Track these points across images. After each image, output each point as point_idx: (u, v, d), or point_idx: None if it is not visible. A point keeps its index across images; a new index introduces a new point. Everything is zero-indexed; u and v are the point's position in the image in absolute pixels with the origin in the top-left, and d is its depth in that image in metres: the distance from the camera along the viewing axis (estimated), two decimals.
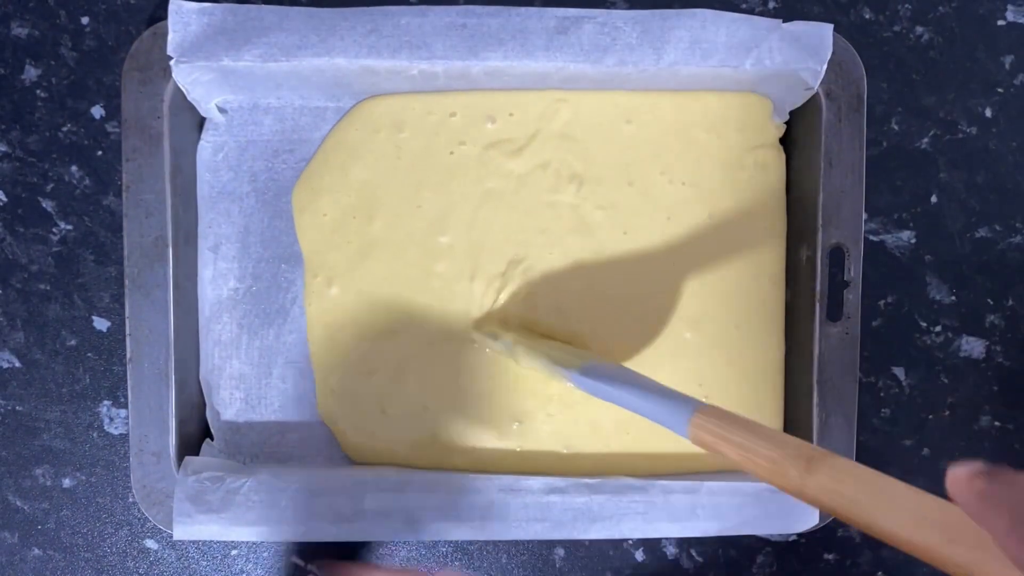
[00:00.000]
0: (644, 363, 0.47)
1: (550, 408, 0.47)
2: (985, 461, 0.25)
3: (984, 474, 0.24)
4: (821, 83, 0.44)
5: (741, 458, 0.33)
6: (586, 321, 0.47)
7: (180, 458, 0.44)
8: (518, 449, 0.47)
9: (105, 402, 0.48)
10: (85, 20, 0.47)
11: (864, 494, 0.28)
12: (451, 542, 0.49)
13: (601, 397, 0.40)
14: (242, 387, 0.47)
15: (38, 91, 0.47)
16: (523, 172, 0.47)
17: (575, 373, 0.41)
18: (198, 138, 0.46)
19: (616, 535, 0.44)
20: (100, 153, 0.47)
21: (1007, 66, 0.49)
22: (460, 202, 0.47)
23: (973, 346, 0.50)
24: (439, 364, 0.47)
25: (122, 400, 0.48)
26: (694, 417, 0.35)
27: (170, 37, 0.42)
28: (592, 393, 0.40)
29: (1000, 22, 0.49)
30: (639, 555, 0.50)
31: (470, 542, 0.49)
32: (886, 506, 0.28)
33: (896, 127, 0.49)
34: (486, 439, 0.47)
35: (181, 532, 0.43)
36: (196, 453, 0.46)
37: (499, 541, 0.49)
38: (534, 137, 0.46)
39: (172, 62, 0.42)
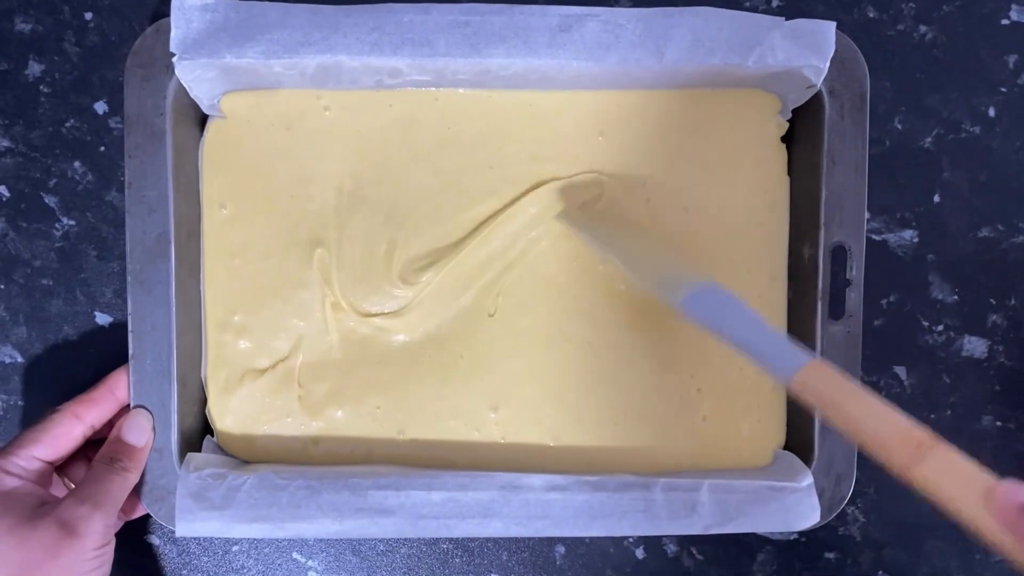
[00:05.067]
0: (635, 353, 0.47)
1: (524, 390, 0.47)
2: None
3: None
4: (824, 81, 0.44)
5: (847, 428, 0.33)
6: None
7: (182, 454, 0.44)
8: (502, 441, 0.47)
9: None
10: (88, 16, 0.47)
11: (969, 489, 0.30)
12: (452, 539, 0.49)
13: (709, 325, 0.38)
14: None
15: (41, 86, 0.47)
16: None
17: (690, 292, 0.38)
18: (201, 135, 0.46)
19: (617, 533, 0.44)
20: (103, 149, 0.47)
21: (1011, 65, 0.49)
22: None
23: (975, 346, 0.50)
24: (377, 371, 0.47)
25: None
26: (802, 371, 0.34)
27: (173, 34, 0.42)
28: (698, 318, 0.38)
29: (1004, 21, 0.49)
30: (640, 553, 0.50)
31: (471, 539, 0.49)
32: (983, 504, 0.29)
33: (899, 126, 0.49)
34: (463, 430, 0.47)
35: (184, 528, 0.43)
36: (198, 450, 0.46)
37: (500, 538, 0.49)
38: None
39: (175, 59, 0.42)
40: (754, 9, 0.48)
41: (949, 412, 0.50)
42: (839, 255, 0.45)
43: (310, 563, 0.49)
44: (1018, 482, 0.29)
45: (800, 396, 0.35)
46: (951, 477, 0.30)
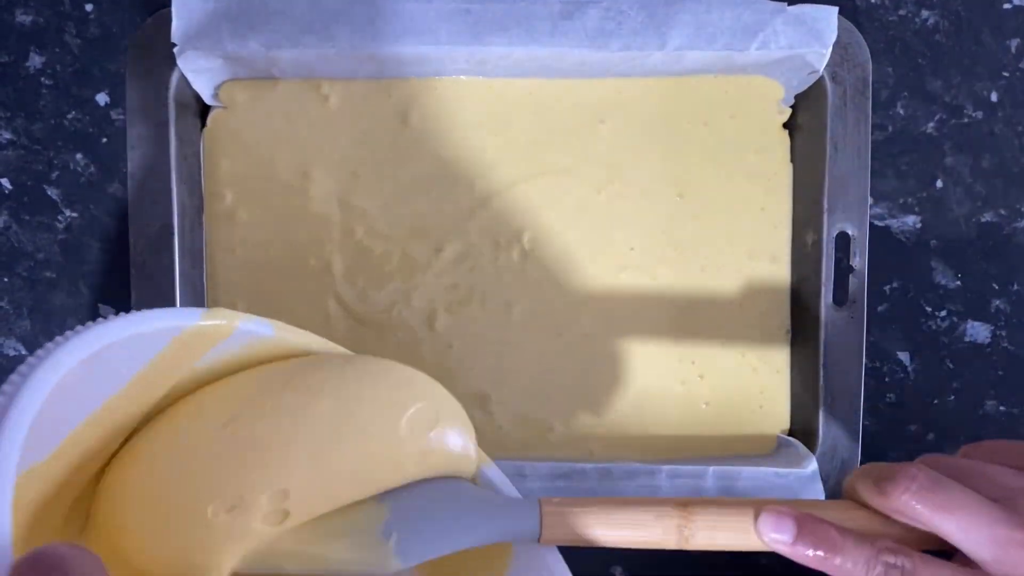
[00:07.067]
0: (634, 340, 0.47)
1: (518, 379, 0.47)
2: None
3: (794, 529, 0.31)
4: (826, 67, 0.44)
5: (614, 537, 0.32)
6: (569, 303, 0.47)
7: None
8: (500, 428, 0.47)
9: None
10: (89, 7, 0.47)
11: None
12: None
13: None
14: None
15: (43, 79, 0.47)
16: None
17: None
18: (203, 125, 0.46)
19: None
20: (105, 140, 0.47)
21: (1013, 50, 0.49)
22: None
23: (978, 331, 0.50)
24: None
25: None
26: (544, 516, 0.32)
27: (174, 24, 0.41)
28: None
29: (1006, 6, 0.49)
30: None
31: None
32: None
33: (901, 111, 0.49)
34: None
35: None
36: None
37: None
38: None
39: (176, 49, 0.42)
40: None
41: (952, 398, 0.50)
42: (842, 241, 0.45)
43: None
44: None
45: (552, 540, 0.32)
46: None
